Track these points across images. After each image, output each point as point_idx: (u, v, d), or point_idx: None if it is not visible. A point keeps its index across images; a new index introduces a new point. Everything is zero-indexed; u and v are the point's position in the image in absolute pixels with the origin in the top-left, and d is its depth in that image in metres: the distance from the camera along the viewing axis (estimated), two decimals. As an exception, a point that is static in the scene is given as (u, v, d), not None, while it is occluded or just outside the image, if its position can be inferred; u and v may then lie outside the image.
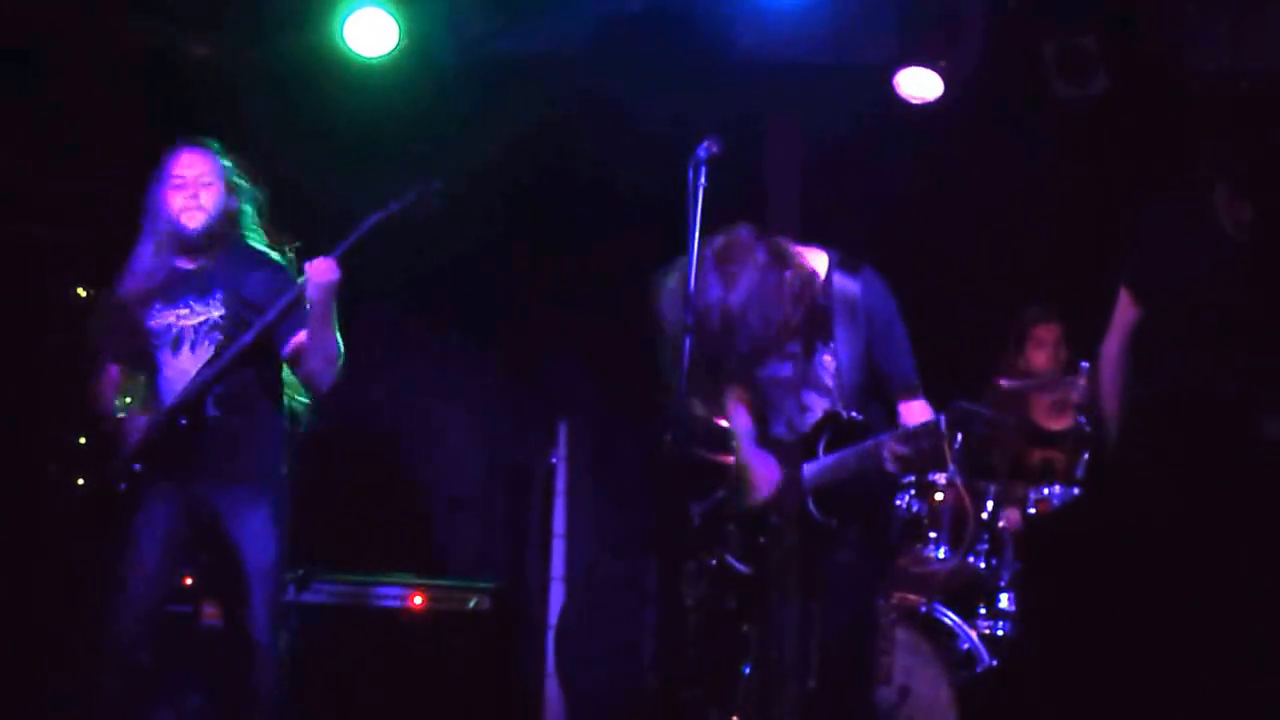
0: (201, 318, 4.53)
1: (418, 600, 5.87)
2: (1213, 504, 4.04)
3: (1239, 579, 3.94)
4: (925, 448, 3.96)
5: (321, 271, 4.38)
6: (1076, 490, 5.58)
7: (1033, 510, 5.61)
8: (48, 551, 5.67)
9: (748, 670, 4.91)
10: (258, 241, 4.68)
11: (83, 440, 5.27)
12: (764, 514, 4.30)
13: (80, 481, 4.63)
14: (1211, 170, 4.31)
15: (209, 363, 4.46)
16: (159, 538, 4.42)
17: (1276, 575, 3.93)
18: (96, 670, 4.40)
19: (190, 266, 4.58)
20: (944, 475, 5.48)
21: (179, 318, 4.54)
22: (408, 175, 4.58)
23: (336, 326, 4.47)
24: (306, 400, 4.67)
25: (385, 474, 6.83)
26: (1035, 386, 5.85)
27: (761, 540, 4.28)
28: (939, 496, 5.57)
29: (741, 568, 4.35)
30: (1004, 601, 5.58)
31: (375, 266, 4.57)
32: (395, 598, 5.88)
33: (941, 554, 5.54)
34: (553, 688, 6.51)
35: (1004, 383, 5.63)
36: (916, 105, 6.19)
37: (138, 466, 4.39)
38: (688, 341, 3.94)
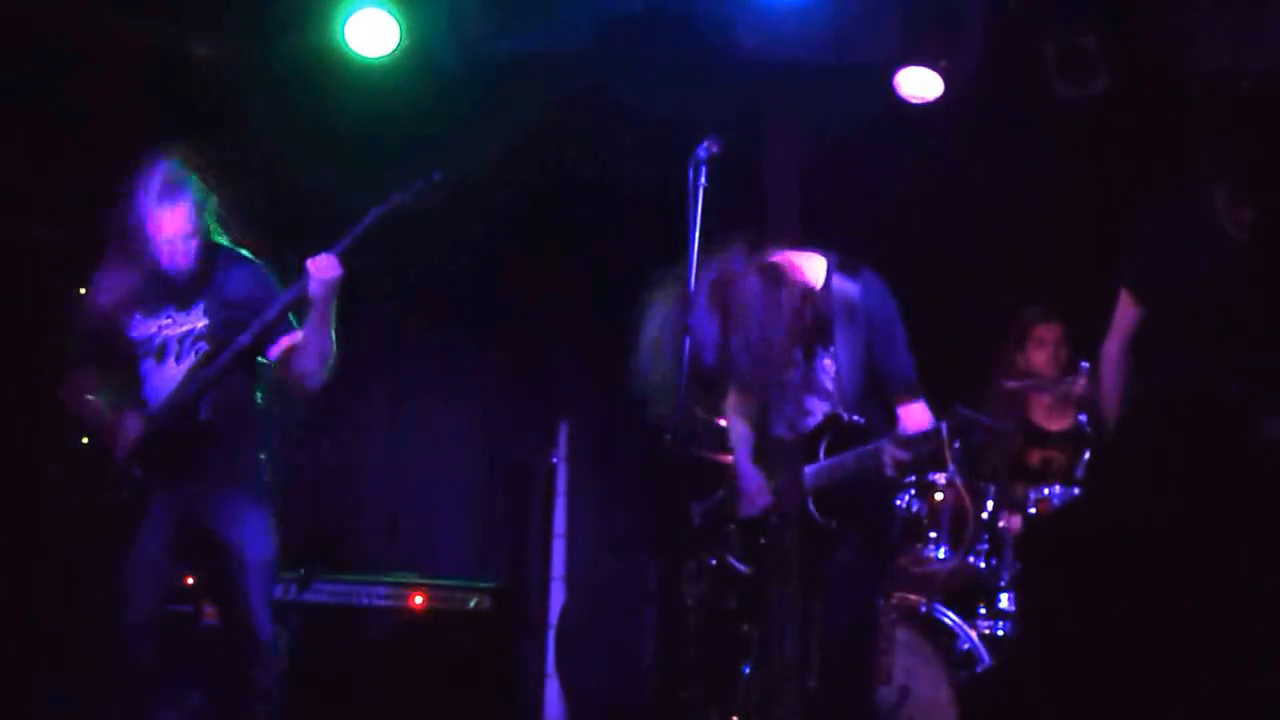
0: (185, 328, 4.51)
1: (418, 600, 5.87)
2: (1213, 504, 4.04)
3: (1239, 579, 3.94)
4: (924, 453, 3.97)
5: (324, 268, 4.37)
6: (1076, 490, 5.57)
7: (1033, 510, 5.60)
8: (48, 551, 5.67)
9: (748, 670, 4.91)
10: (225, 240, 4.62)
11: (85, 440, 5.27)
12: (762, 517, 4.31)
13: (83, 487, 4.61)
14: (1211, 170, 4.30)
15: (202, 365, 4.45)
16: (158, 538, 4.41)
17: (1276, 575, 3.93)
18: (98, 670, 4.41)
19: (168, 275, 4.51)
20: (944, 475, 5.48)
21: (161, 328, 4.52)
22: (409, 175, 4.57)
23: (334, 325, 4.47)
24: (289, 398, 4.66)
25: (385, 474, 6.84)
26: (1036, 387, 5.88)
27: (761, 540, 4.30)
28: (939, 496, 5.56)
29: (742, 567, 4.35)
30: (1004, 601, 5.58)
31: (376, 266, 4.57)
32: (395, 598, 5.88)
33: (941, 554, 5.54)
34: (553, 688, 6.51)
35: (1008, 384, 5.67)
36: (917, 105, 6.19)
37: (139, 474, 4.39)
38: (688, 342, 3.95)
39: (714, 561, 4.48)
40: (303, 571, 5.79)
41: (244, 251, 4.63)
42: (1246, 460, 4.11)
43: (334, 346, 4.47)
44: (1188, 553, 3.99)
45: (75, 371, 4.62)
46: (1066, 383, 5.59)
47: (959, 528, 5.54)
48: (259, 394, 4.60)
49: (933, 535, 5.56)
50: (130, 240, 4.45)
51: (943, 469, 5.44)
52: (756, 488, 4.32)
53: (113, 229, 4.49)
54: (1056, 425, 5.99)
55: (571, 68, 6.34)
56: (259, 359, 4.52)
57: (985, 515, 5.61)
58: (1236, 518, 4.00)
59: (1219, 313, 4.22)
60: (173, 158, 4.53)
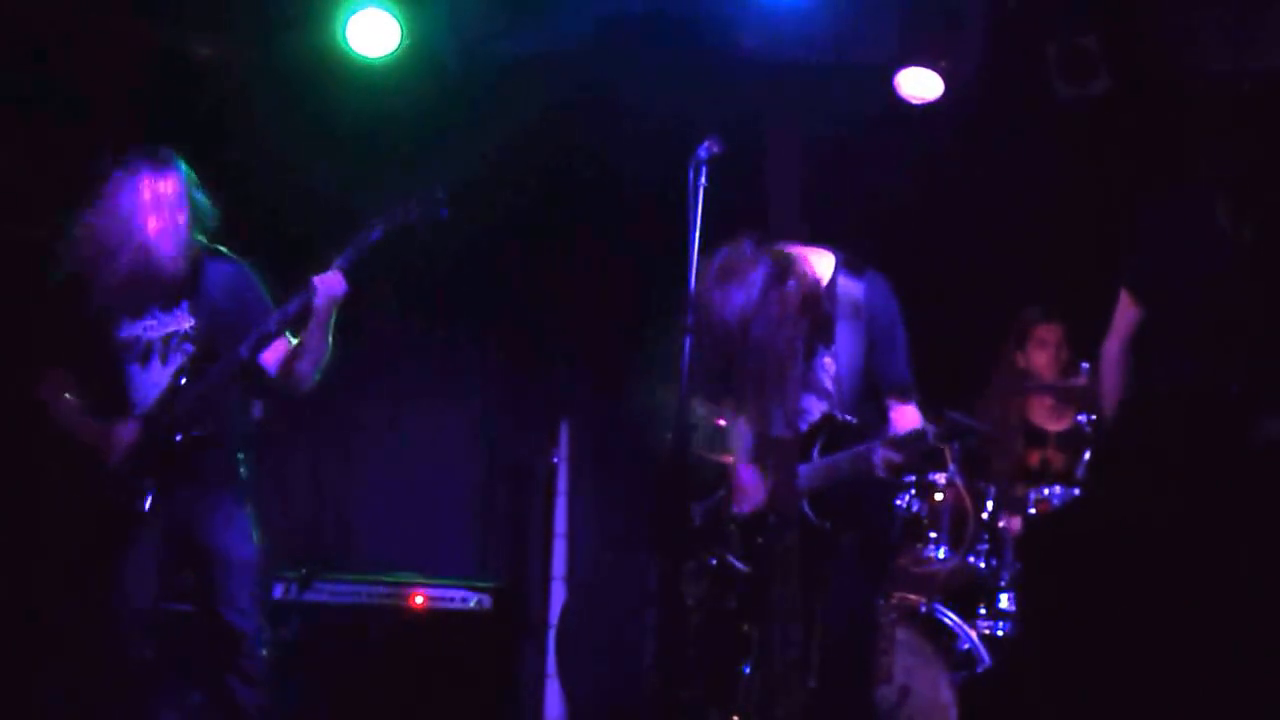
0: (170, 329, 4.50)
1: (418, 600, 5.87)
2: (1213, 504, 4.04)
3: (1239, 579, 3.94)
4: (915, 454, 3.98)
5: (330, 285, 4.40)
6: (1076, 491, 5.58)
7: (1033, 510, 5.61)
8: (48, 551, 5.67)
9: (748, 670, 4.91)
10: (205, 239, 4.59)
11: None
12: (762, 515, 4.31)
13: (81, 487, 4.60)
14: (1212, 170, 4.30)
15: (190, 369, 4.45)
16: (154, 539, 4.42)
17: (1276, 575, 3.93)
18: (98, 670, 4.41)
19: (153, 275, 4.45)
20: (944, 475, 5.48)
21: (146, 329, 4.50)
22: (410, 175, 4.59)
23: (332, 333, 4.48)
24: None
25: (385, 474, 6.84)
26: (1036, 388, 5.88)
27: (760, 540, 4.30)
28: (939, 496, 5.57)
29: (742, 567, 4.36)
30: (1004, 601, 5.59)
31: (375, 266, 4.57)
32: (395, 598, 5.88)
33: (941, 554, 5.55)
34: (553, 688, 6.52)
35: (1008, 386, 5.67)
36: (917, 105, 6.19)
37: (135, 480, 4.38)
38: (688, 342, 3.95)
39: (714, 561, 4.48)
40: (303, 571, 5.79)
41: (223, 250, 4.61)
42: (1246, 460, 4.11)
43: (330, 352, 4.48)
44: (1187, 553, 3.99)
45: (51, 371, 4.61)
46: (1066, 384, 5.60)
47: (959, 528, 5.55)
48: (236, 396, 4.61)
49: (933, 535, 5.56)
50: (115, 239, 4.41)
51: (943, 469, 5.44)
52: (751, 485, 4.32)
53: (97, 227, 4.45)
54: (1056, 426, 5.99)
55: (572, 68, 6.34)
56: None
57: (985, 515, 5.62)
58: (1236, 518, 4.00)
59: (1219, 313, 4.22)
60: (160, 156, 4.51)
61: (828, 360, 4.22)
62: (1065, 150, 6.18)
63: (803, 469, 4.20)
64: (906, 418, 4.10)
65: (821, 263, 4.22)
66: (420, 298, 6.78)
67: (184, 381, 4.44)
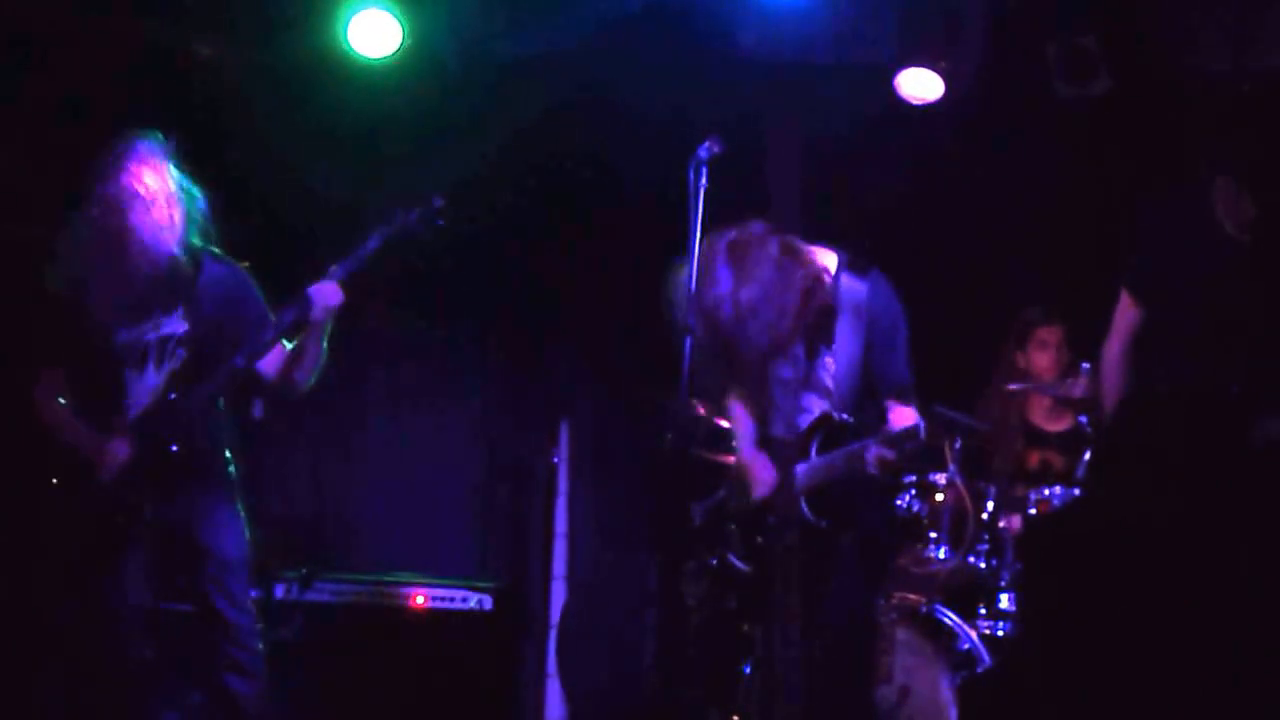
0: (165, 333, 4.49)
1: (418, 600, 5.87)
2: (1213, 504, 4.04)
3: (1239, 579, 3.94)
4: (909, 452, 3.98)
5: (327, 296, 4.42)
6: (1076, 491, 5.58)
7: (1033, 511, 5.61)
8: (48, 551, 5.66)
9: (748, 670, 4.91)
10: (200, 239, 4.57)
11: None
12: (762, 513, 4.31)
13: (79, 491, 4.59)
14: (1212, 170, 4.30)
15: (183, 374, 4.45)
16: (155, 538, 4.42)
17: (1276, 575, 3.93)
18: (98, 670, 4.41)
19: (149, 277, 4.44)
20: (944, 475, 5.48)
21: (142, 333, 4.49)
22: (410, 175, 4.58)
23: (327, 339, 4.49)
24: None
25: (385, 474, 6.84)
26: (1035, 388, 5.88)
27: (760, 540, 4.29)
28: (939, 496, 5.56)
29: (742, 567, 4.35)
30: (1004, 601, 5.58)
31: (375, 266, 4.57)
32: (395, 598, 5.88)
33: (941, 554, 5.54)
34: (553, 688, 6.52)
35: (1009, 387, 5.67)
36: (917, 105, 6.19)
37: (128, 494, 4.38)
38: (688, 342, 3.95)
39: (714, 561, 4.48)
40: (304, 571, 5.79)
41: (216, 251, 4.59)
42: (1246, 460, 4.11)
43: (326, 356, 4.49)
44: (1187, 553, 3.99)
45: (46, 371, 4.60)
46: (1067, 385, 5.60)
47: (959, 528, 5.54)
48: (223, 398, 4.62)
49: (933, 535, 5.56)
50: (111, 241, 4.39)
51: (943, 469, 5.44)
52: (763, 467, 4.29)
53: (93, 227, 4.42)
54: (1056, 427, 5.99)
55: (572, 68, 6.34)
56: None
57: (985, 515, 5.61)
58: (1236, 518, 4.00)
59: (1219, 313, 4.22)
60: (157, 155, 4.48)
61: (828, 359, 4.23)
62: (1065, 150, 6.18)
63: (800, 467, 4.20)
64: (905, 419, 4.10)
65: (827, 260, 4.22)
66: (420, 298, 6.78)
67: (174, 397, 4.44)
